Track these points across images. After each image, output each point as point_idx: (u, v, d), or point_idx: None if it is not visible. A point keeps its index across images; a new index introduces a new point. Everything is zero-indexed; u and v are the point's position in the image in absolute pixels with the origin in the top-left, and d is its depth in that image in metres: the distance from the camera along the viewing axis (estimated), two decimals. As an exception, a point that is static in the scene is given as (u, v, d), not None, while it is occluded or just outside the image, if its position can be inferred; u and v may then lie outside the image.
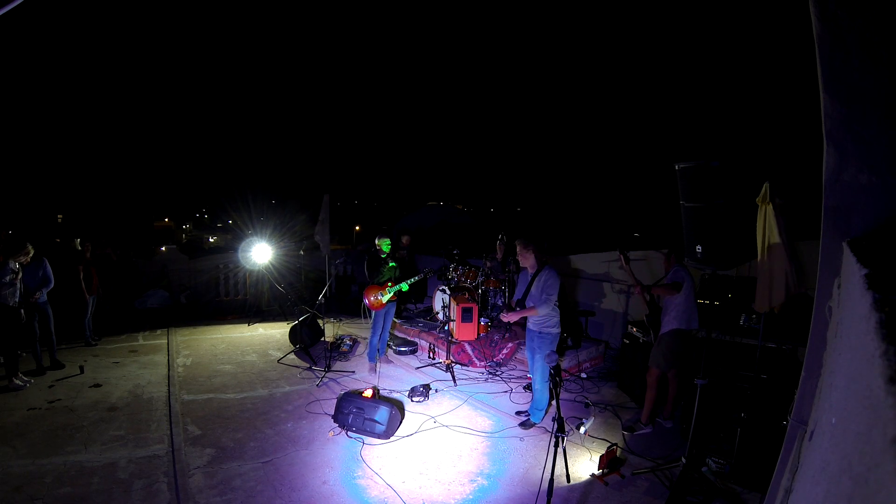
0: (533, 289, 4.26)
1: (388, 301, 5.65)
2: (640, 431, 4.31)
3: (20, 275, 5.19)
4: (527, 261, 4.32)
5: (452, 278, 6.89)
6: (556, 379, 3.20)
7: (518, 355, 5.99)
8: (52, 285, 5.74)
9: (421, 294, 8.79)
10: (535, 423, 4.37)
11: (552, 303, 4.16)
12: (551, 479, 2.91)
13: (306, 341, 6.54)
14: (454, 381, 5.50)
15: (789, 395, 2.86)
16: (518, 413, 4.64)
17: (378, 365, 5.86)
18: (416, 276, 5.79)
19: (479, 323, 6.22)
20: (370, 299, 5.58)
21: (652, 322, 4.95)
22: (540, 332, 4.27)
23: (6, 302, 5.01)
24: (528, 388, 5.29)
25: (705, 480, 3.26)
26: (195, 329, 8.12)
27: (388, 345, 6.55)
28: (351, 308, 9.30)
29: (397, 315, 7.65)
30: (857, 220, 1.91)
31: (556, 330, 4.26)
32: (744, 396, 3.64)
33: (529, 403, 4.50)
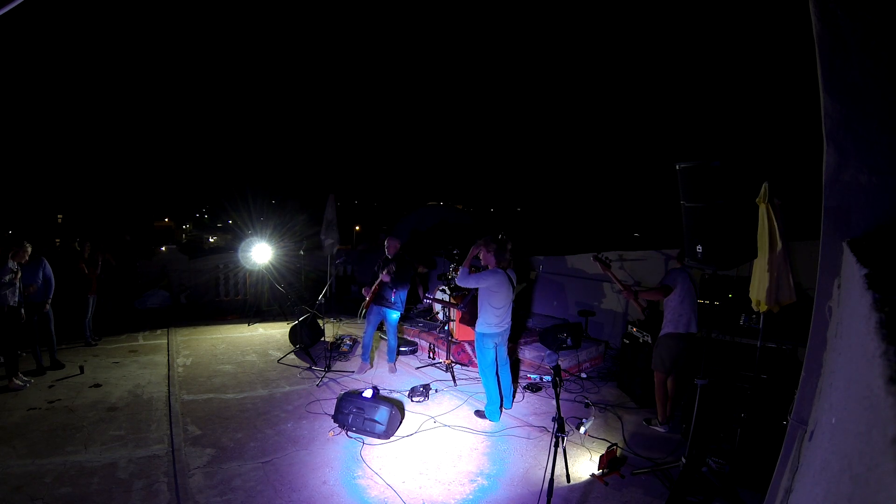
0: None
1: (371, 300, 5.59)
2: (655, 427, 4.35)
3: (20, 274, 5.18)
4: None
5: (452, 278, 6.89)
6: (556, 379, 3.20)
7: (518, 355, 5.99)
8: (53, 285, 5.76)
9: (419, 297, 8.78)
10: (493, 422, 4.44)
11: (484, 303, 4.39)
12: (551, 479, 2.91)
13: (306, 341, 6.54)
14: (454, 381, 5.50)
15: (789, 395, 2.86)
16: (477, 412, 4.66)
17: (371, 366, 5.80)
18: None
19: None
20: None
21: (645, 325, 4.96)
22: None
23: (6, 302, 5.00)
24: (528, 387, 5.29)
25: (705, 480, 3.26)
26: (195, 329, 8.11)
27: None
28: (351, 308, 9.30)
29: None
30: (857, 220, 1.91)
31: (478, 330, 4.46)
32: (744, 396, 3.64)
33: (530, 403, 4.51)
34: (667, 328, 4.19)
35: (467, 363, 6.15)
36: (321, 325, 6.95)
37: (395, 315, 5.65)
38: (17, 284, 5.14)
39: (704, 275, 4.72)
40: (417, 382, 5.24)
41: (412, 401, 4.92)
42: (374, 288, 5.51)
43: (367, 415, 4.09)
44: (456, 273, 6.87)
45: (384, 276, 5.40)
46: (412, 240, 11.55)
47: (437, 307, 7.30)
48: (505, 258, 4.41)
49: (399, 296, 5.57)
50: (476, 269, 6.85)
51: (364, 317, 5.75)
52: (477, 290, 4.41)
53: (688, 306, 4.13)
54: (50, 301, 5.73)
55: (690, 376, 4.25)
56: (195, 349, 6.85)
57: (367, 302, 5.60)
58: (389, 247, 5.67)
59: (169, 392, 5.15)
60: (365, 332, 5.78)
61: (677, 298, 4.14)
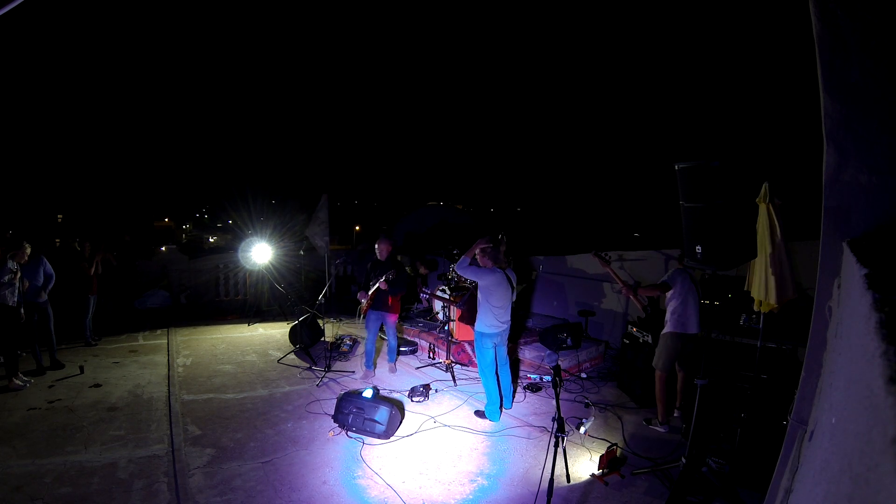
0: None
1: (369, 305, 5.46)
2: (655, 427, 4.35)
3: (19, 274, 5.18)
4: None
5: (452, 278, 6.90)
6: (556, 379, 3.20)
7: (518, 355, 5.99)
8: (54, 280, 5.75)
9: (420, 297, 8.80)
10: (493, 422, 4.44)
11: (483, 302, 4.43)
12: (551, 479, 2.91)
13: (306, 341, 6.54)
14: (454, 381, 5.50)
15: (789, 395, 2.86)
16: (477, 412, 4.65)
17: (374, 373, 5.70)
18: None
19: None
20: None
21: (644, 324, 4.96)
22: None
23: (5, 302, 5.00)
24: (528, 387, 5.29)
25: (705, 480, 3.26)
26: (195, 329, 8.11)
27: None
28: (351, 308, 9.29)
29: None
30: (857, 220, 1.91)
31: (477, 329, 4.49)
32: (744, 396, 3.64)
33: (530, 403, 4.51)
34: (668, 327, 4.21)
35: (467, 363, 6.15)
36: (321, 325, 6.95)
37: (394, 316, 5.60)
38: (17, 284, 5.15)
39: (704, 275, 4.72)
40: (417, 382, 5.24)
41: (412, 401, 4.92)
42: (371, 294, 5.40)
43: (367, 415, 4.09)
44: (456, 272, 6.87)
45: (381, 285, 5.27)
46: (412, 240, 11.56)
47: (437, 307, 7.31)
48: (499, 259, 4.42)
49: (396, 299, 5.52)
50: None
51: (363, 320, 5.67)
52: (476, 288, 4.41)
53: (689, 307, 4.13)
54: (47, 291, 5.67)
55: (691, 376, 4.26)
56: (195, 349, 6.85)
57: (364, 307, 5.49)
58: (381, 249, 5.50)
59: (169, 392, 5.14)
60: (367, 339, 5.66)
61: (678, 298, 4.14)
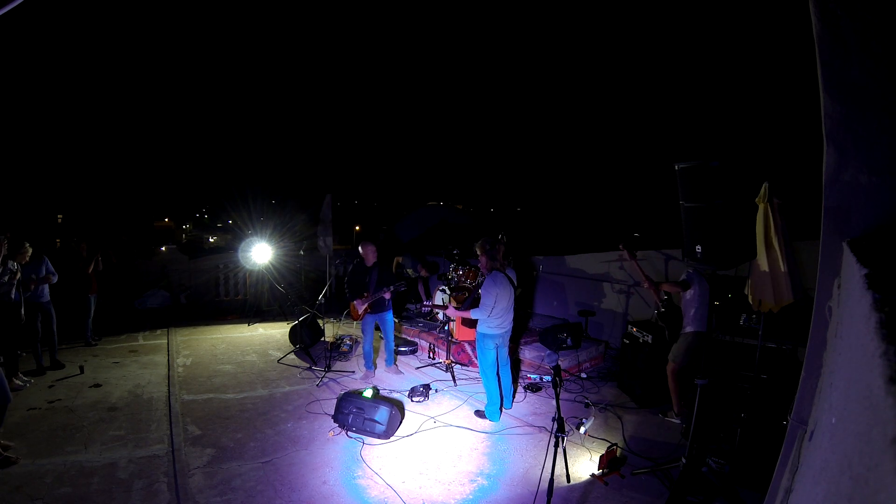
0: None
1: (367, 312, 5.45)
2: (671, 419, 4.43)
3: (19, 275, 5.18)
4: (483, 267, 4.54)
5: (452, 278, 6.89)
6: (556, 379, 3.20)
7: (518, 355, 5.98)
8: (56, 278, 5.75)
9: (420, 295, 8.79)
10: (493, 422, 4.44)
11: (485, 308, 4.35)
12: (551, 479, 2.91)
13: (306, 341, 6.54)
14: (454, 381, 5.50)
15: (789, 395, 2.86)
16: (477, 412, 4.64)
17: (374, 374, 5.70)
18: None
19: (479, 323, 6.21)
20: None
21: (664, 317, 4.99)
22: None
23: (5, 301, 5.00)
24: (529, 387, 5.29)
25: (705, 480, 3.26)
26: (195, 329, 8.11)
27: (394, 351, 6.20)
28: (351, 308, 9.30)
29: (397, 315, 7.64)
30: (857, 220, 1.91)
31: (480, 331, 4.47)
32: (744, 396, 3.64)
33: (530, 403, 4.50)
34: (690, 327, 4.28)
35: (467, 363, 6.15)
36: (321, 325, 6.95)
37: (390, 315, 5.64)
38: (17, 285, 5.14)
39: (704, 275, 4.74)
40: (417, 382, 5.24)
41: (412, 401, 4.92)
42: (368, 303, 5.39)
43: (367, 415, 4.09)
44: (457, 272, 6.87)
45: (386, 294, 5.32)
46: (413, 240, 11.54)
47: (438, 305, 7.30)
48: (497, 259, 4.42)
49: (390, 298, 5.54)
50: (475, 269, 6.84)
51: (358, 321, 5.64)
52: (479, 293, 4.40)
53: (706, 307, 4.17)
54: (44, 280, 5.66)
55: (691, 376, 4.26)
56: (195, 349, 6.85)
57: (361, 313, 5.45)
58: (367, 253, 5.44)
59: (169, 392, 5.15)
60: (364, 341, 5.68)
61: (698, 300, 4.21)
